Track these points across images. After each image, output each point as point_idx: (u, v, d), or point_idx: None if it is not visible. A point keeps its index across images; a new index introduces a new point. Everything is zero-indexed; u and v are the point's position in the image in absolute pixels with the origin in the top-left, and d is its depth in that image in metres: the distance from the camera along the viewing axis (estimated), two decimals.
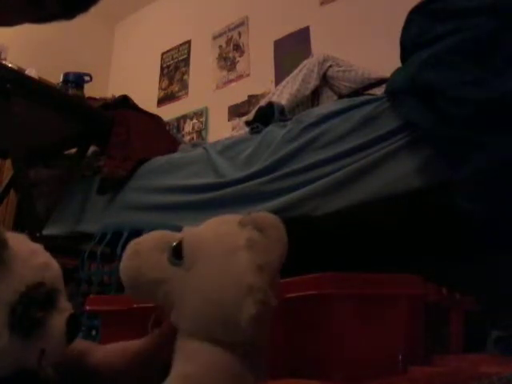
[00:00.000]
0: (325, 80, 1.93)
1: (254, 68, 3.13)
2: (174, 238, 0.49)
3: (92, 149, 1.88)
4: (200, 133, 3.26)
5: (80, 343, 0.56)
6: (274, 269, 0.46)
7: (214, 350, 0.44)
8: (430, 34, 1.06)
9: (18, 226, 2.26)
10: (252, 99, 2.96)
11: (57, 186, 1.78)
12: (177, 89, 3.59)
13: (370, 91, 1.69)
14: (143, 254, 0.49)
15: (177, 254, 0.47)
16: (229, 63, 3.28)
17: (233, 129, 2.65)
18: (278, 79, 2.71)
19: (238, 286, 0.43)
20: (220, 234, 0.47)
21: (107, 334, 0.79)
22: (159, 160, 1.63)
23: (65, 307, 0.48)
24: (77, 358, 0.55)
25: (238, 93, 3.08)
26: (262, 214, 0.48)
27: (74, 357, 0.54)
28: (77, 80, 1.84)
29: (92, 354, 0.56)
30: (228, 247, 0.45)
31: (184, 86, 3.55)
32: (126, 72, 3.91)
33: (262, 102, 1.90)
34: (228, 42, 3.34)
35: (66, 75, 1.85)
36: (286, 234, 0.47)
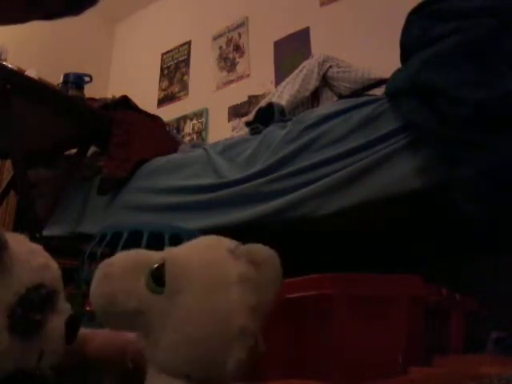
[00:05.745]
0: (325, 81, 1.93)
1: (254, 69, 3.12)
2: (152, 259, 0.44)
3: (92, 149, 1.88)
4: (200, 133, 3.26)
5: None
6: (266, 311, 0.42)
7: None
8: (430, 34, 1.06)
9: (17, 227, 2.26)
10: (252, 100, 2.95)
11: (57, 187, 1.77)
12: (177, 89, 3.58)
13: (370, 92, 1.68)
14: (117, 278, 0.42)
15: (157, 279, 0.42)
16: (229, 64, 3.28)
17: (233, 129, 2.65)
18: (278, 80, 2.71)
19: (227, 327, 0.39)
20: (208, 262, 0.42)
21: None
22: (159, 160, 1.63)
23: (63, 309, 0.48)
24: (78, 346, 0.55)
25: (238, 93, 3.08)
26: (258, 246, 0.44)
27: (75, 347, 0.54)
28: (77, 81, 1.84)
29: (90, 342, 0.56)
30: (218, 280, 0.41)
31: (184, 86, 3.55)
32: (126, 72, 3.91)
33: (262, 103, 1.90)
34: (228, 42, 3.34)
35: (66, 76, 1.85)
36: (281, 271, 0.43)
